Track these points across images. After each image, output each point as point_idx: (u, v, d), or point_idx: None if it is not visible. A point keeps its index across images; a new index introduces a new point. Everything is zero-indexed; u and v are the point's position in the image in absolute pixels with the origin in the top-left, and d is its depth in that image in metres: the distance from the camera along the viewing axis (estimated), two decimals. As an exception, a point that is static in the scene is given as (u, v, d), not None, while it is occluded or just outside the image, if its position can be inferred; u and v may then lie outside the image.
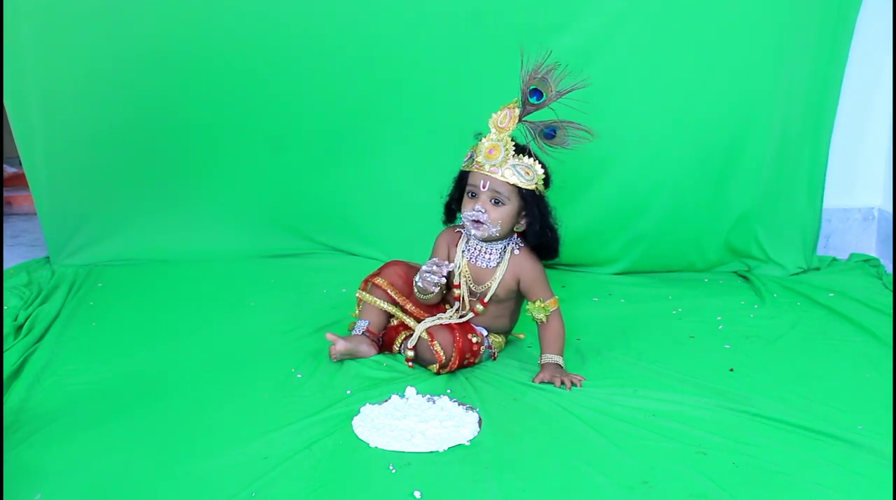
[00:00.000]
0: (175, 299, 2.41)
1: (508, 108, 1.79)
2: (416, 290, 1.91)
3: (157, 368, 1.92)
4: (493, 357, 1.97)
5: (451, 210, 1.93)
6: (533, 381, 1.82)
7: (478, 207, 1.80)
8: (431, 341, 1.85)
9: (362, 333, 1.96)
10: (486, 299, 1.90)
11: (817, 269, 2.74)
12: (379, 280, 1.95)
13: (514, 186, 1.79)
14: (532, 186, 1.80)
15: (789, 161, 2.68)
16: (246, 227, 2.80)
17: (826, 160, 2.72)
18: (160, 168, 2.74)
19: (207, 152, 2.73)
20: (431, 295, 1.90)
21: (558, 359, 1.86)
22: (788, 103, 2.62)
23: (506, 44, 2.54)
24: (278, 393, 1.76)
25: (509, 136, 1.78)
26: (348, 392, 1.76)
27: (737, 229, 2.70)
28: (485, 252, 1.89)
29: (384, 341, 1.99)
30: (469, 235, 1.90)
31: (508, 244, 1.89)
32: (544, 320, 1.88)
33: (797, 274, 2.68)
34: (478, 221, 1.81)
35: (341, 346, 1.90)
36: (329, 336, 1.91)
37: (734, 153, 2.62)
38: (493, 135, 1.80)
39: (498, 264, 1.88)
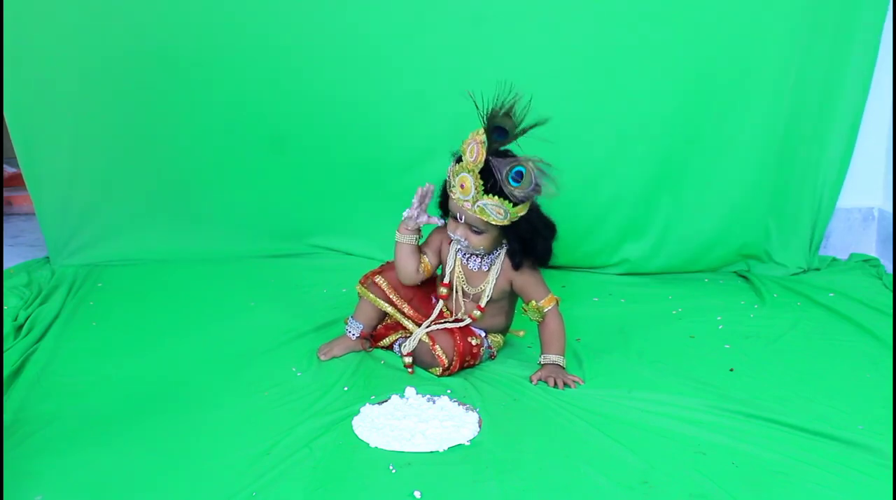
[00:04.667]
0: (175, 299, 2.40)
1: (475, 141, 1.71)
2: (399, 227, 1.87)
3: (158, 368, 1.92)
4: (492, 357, 1.97)
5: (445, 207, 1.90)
6: (530, 379, 1.82)
7: (458, 235, 1.81)
8: (433, 345, 1.85)
9: (356, 338, 1.98)
10: (482, 304, 1.89)
11: (817, 269, 2.74)
12: (379, 279, 1.95)
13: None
14: (506, 222, 1.76)
15: (799, 161, 2.68)
16: (245, 227, 2.79)
17: (848, 161, 2.73)
18: (159, 170, 2.74)
19: (207, 153, 2.73)
20: (408, 253, 1.87)
21: (557, 359, 1.86)
22: (799, 103, 2.61)
23: (503, 45, 2.56)
24: (278, 392, 1.76)
25: (478, 171, 1.71)
26: (346, 389, 1.77)
27: (744, 230, 2.69)
28: (476, 254, 1.88)
29: (374, 336, 2.01)
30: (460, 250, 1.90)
31: (501, 246, 1.88)
32: (541, 320, 1.88)
33: (797, 274, 2.68)
34: (459, 241, 1.83)
35: (338, 352, 1.95)
36: (323, 357, 1.94)
37: (738, 152, 2.62)
38: (464, 165, 1.73)
39: (490, 266, 1.88)
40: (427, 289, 1.98)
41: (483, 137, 1.71)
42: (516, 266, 1.84)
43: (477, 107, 1.71)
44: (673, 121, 2.59)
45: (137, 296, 2.42)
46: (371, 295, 1.94)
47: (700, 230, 2.68)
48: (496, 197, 1.72)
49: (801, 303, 2.40)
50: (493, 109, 1.71)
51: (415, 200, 1.84)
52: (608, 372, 1.88)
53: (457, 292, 1.92)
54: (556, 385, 1.79)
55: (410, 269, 1.90)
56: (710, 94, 2.57)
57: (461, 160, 1.75)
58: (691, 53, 2.53)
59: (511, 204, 1.72)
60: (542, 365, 1.86)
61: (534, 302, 1.87)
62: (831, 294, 2.44)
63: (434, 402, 1.70)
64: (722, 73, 2.56)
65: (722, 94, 2.57)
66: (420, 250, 1.92)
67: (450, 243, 1.92)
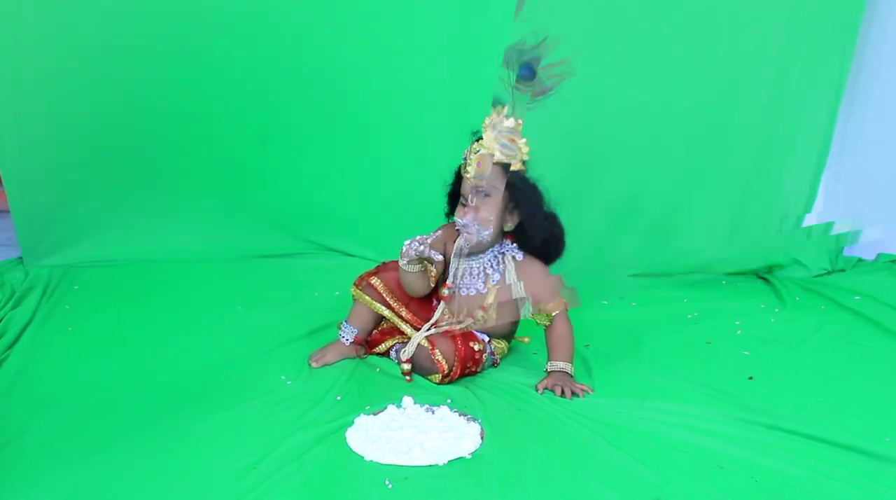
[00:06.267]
0: (156, 302, 2.39)
1: (496, 115, 1.76)
2: (400, 258, 1.86)
3: (138, 375, 1.90)
4: (495, 364, 1.95)
5: (455, 202, 1.90)
6: (536, 388, 1.81)
7: (467, 220, 1.81)
8: (432, 349, 1.83)
9: (350, 343, 1.96)
10: (486, 304, 1.88)
11: (842, 270, 2.73)
12: (375, 281, 1.94)
13: (498, 165, 1.75)
14: (517, 165, 1.76)
15: (813, 159, 2.69)
16: (233, 225, 2.79)
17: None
18: (140, 163, 2.73)
19: (191, 146, 2.72)
20: (414, 279, 1.87)
21: (565, 366, 1.84)
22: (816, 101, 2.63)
23: (503, 38, 2.53)
24: (267, 402, 1.74)
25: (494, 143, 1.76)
26: (338, 398, 1.75)
27: (763, 229, 2.70)
28: (473, 276, 1.88)
29: (369, 342, 1.99)
30: (465, 245, 1.87)
31: (502, 251, 1.87)
32: (548, 324, 1.87)
33: (821, 276, 2.67)
34: (465, 226, 1.81)
35: (331, 359, 1.93)
36: (315, 365, 1.92)
37: (757, 150, 2.63)
38: (482, 142, 1.76)
39: (500, 278, 1.87)
40: None
41: (503, 114, 1.73)
42: (539, 243, 1.83)
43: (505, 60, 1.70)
44: (688, 117, 2.59)
45: (116, 299, 2.41)
46: (366, 298, 1.93)
47: (717, 230, 2.68)
48: (508, 119, 1.73)
49: (826, 306, 2.39)
50: (513, 44, 1.71)
51: (418, 240, 1.83)
52: (619, 380, 1.87)
53: (458, 291, 1.91)
54: (563, 394, 1.77)
55: (419, 289, 1.92)
56: (725, 92, 2.58)
57: (480, 139, 1.77)
58: (699, 54, 2.54)
59: (522, 140, 1.74)
60: (549, 373, 1.85)
61: (542, 305, 1.85)
62: (857, 297, 2.43)
63: (433, 412, 1.69)
64: (735, 67, 2.56)
65: (737, 91, 2.58)
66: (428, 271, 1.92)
67: (454, 241, 1.91)
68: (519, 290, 1.86)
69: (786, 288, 2.52)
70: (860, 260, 2.82)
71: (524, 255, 1.87)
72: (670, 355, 2.04)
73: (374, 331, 2.00)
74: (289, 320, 2.22)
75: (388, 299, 1.93)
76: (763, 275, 2.70)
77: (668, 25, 2.50)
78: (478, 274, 1.89)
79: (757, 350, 2.07)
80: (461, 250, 1.88)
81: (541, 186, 1.81)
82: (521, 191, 1.79)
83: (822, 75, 2.64)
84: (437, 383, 1.84)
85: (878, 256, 2.86)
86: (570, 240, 1.86)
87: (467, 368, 1.86)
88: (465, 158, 1.82)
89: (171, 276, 2.59)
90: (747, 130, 2.62)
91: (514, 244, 1.88)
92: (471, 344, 1.87)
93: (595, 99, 2.53)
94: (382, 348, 1.98)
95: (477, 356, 1.88)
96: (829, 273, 2.70)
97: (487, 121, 1.77)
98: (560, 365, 1.84)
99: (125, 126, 2.68)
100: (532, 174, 1.81)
